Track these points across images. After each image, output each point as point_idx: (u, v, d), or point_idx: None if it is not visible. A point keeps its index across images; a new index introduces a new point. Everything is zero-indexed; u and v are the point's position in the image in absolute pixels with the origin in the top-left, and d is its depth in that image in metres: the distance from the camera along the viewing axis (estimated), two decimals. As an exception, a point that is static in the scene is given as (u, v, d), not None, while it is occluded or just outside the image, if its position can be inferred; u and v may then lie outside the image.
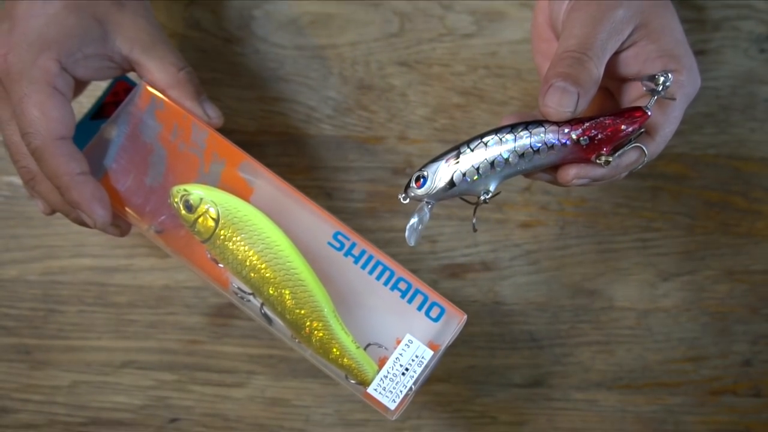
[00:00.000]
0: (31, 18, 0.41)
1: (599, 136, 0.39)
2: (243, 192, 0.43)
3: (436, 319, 0.42)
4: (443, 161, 0.40)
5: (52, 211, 0.45)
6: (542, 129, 0.39)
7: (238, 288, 0.43)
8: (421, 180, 0.41)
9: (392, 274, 0.42)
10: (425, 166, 0.41)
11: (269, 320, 0.42)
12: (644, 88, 0.40)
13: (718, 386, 0.58)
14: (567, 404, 0.57)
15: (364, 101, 0.57)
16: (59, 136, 0.40)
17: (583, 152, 0.39)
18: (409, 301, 0.42)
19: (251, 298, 0.42)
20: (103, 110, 0.47)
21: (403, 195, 0.41)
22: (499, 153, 0.39)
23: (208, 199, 0.42)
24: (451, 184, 0.40)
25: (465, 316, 0.42)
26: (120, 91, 0.48)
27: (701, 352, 0.58)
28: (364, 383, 0.41)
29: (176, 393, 0.56)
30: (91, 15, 0.42)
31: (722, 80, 0.57)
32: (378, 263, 0.42)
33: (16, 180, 0.56)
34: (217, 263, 0.43)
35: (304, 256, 0.42)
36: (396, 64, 0.57)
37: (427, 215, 0.41)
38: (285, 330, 0.42)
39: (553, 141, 0.39)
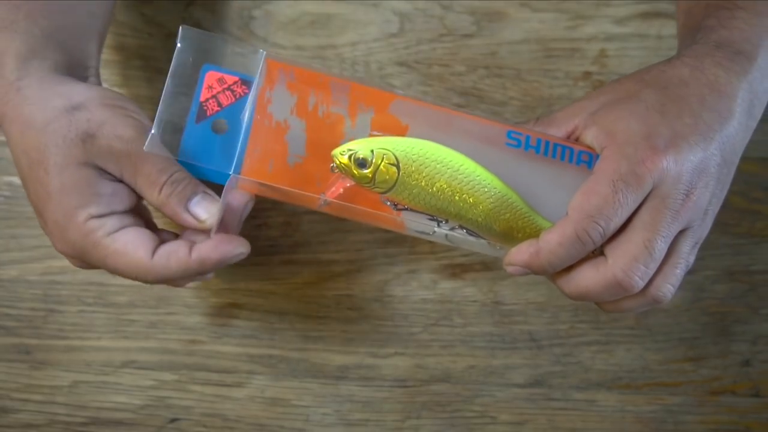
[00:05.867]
0: (47, 204, 0.41)
1: None
2: (398, 131, 0.42)
3: None
4: None
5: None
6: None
7: (416, 231, 0.43)
8: None
9: (572, 151, 0.43)
10: None
11: (453, 241, 0.44)
12: None
13: (718, 386, 0.58)
14: (567, 404, 0.57)
15: (364, 101, 0.57)
16: (153, 267, 0.41)
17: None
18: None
19: (436, 228, 0.43)
20: (204, 109, 0.44)
21: None
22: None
23: (379, 148, 0.41)
24: None
25: None
26: (214, 83, 0.44)
27: (701, 352, 0.58)
28: None
29: (176, 393, 0.56)
30: (75, 162, 0.41)
31: (722, 80, 0.57)
32: (556, 146, 0.43)
33: (16, 180, 0.56)
34: (398, 209, 0.42)
35: (490, 165, 0.42)
36: (396, 64, 0.57)
37: None
38: (481, 244, 0.44)
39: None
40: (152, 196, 0.42)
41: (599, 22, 0.58)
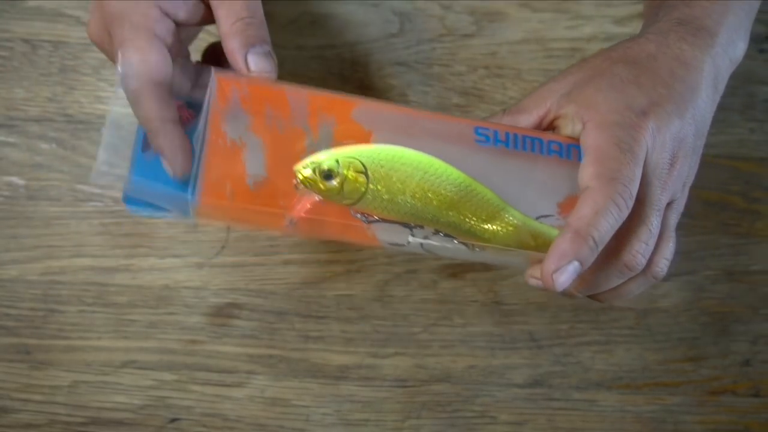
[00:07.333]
0: None
1: None
2: (362, 138, 0.40)
3: None
4: None
5: None
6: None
7: (389, 243, 0.41)
8: None
9: (541, 141, 0.42)
10: None
11: (430, 250, 0.41)
12: None
13: (718, 386, 0.58)
14: (567, 404, 0.57)
15: (364, 101, 0.57)
16: (156, 80, 0.40)
17: None
18: (569, 157, 0.41)
19: (410, 237, 0.40)
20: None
21: None
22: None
23: (344, 157, 0.39)
24: None
25: None
26: None
27: (701, 352, 0.58)
28: None
29: (176, 393, 0.56)
30: None
31: (722, 80, 0.57)
32: (526, 138, 0.41)
33: (16, 180, 0.56)
34: (369, 221, 0.40)
35: (460, 165, 0.40)
36: (396, 64, 0.57)
37: None
38: (459, 249, 0.41)
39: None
40: (226, 23, 0.41)
41: (599, 22, 0.58)
